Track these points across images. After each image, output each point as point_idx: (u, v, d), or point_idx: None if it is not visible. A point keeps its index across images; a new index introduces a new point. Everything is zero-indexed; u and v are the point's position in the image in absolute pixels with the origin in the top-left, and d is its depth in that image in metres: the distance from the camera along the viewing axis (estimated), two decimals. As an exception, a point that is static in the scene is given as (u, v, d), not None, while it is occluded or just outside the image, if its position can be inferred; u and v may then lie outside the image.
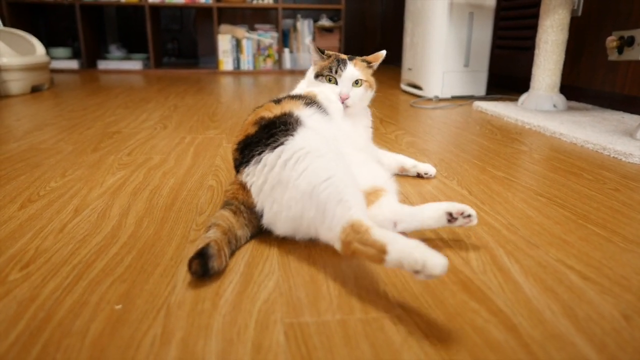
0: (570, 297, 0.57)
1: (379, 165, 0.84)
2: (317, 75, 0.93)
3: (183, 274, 0.61)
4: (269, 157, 0.69)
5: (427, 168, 1.04)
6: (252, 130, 0.75)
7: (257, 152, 0.71)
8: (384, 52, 0.98)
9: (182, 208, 0.85)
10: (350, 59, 0.93)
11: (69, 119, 1.69)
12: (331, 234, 0.61)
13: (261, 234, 0.72)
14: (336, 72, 0.91)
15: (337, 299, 0.56)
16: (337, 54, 0.95)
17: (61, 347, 0.47)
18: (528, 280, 0.61)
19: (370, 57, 0.96)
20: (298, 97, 0.84)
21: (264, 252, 0.68)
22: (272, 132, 0.72)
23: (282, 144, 0.69)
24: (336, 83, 0.91)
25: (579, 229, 0.77)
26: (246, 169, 0.73)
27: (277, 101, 0.83)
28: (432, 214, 0.69)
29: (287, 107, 0.78)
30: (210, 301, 0.55)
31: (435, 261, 0.49)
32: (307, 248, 0.69)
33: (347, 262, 0.65)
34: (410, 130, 1.59)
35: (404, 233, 0.69)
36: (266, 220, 0.70)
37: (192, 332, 0.50)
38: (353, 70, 0.91)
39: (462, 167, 1.14)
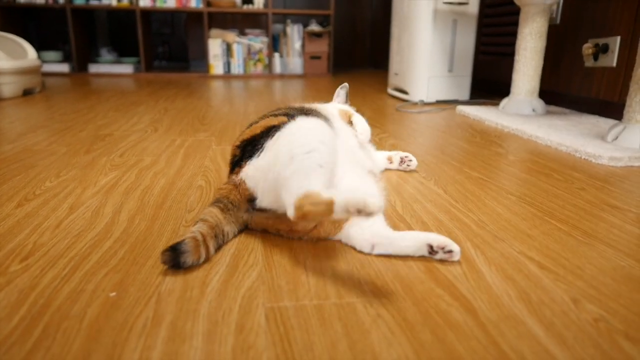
0: (527, 284, 0.63)
1: (371, 180, 0.87)
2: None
3: (173, 265, 0.66)
4: (267, 143, 0.76)
5: (407, 154, 1.16)
6: (258, 131, 0.81)
7: (260, 144, 0.77)
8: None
9: (173, 206, 0.89)
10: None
11: (61, 122, 1.72)
12: (289, 200, 0.64)
13: (247, 230, 0.77)
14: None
15: (314, 286, 0.61)
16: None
17: (60, 329, 0.52)
18: (491, 269, 0.67)
19: None
20: (311, 115, 0.86)
21: (249, 245, 0.73)
22: (276, 127, 0.79)
23: (281, 128, 0.77)
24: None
25: (543, 225, 0.83)
26: (248, 162, 0.77)
27: (290, 117, 0.83)
28: (412, 243, 0.70)
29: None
30: (198, 289, 0.60)
31: (374, 200, 0.56)
32: (289, 242, 0.74)
33: (326, 255, 0.70)
34: (395, 133, 1.65)
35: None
36: (259, 199, 0.75)
37: (181, 316, 0.54)
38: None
39: (441, 168, 1.20)
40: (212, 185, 1.03)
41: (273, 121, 0.81)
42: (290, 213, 0.64)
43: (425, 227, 0.81)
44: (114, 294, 0.58)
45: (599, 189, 1.04)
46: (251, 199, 0.76)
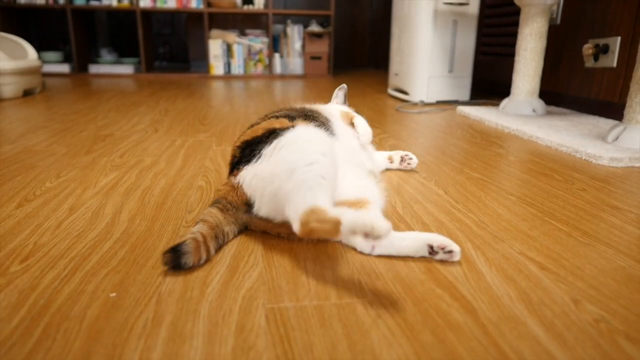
0: (527, 285, 0.63)
1: (371, 179, 0.88)
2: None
3: (173, 266, 0.66)
4: (265, 150, 0.75)
5: (407, 152, 1.17)
6: (259, 132, 0.80)
7: (258, 149, 0.77)
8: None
9: (173, 207, 0.89)
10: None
11: (61, 122, 1.72)
12: (294, 214, 0.64)
13: (247, 230, 0.77)
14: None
15: (315, 287, 0.61)
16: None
17: (60, 330, 0.51)
18: (491, 270, 0.66)
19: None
20: (311, 118, 0.88)
21: (249, 246, 0.73)
22: (275, 133, 0.78)
23: (279, 135, 0.76)
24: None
25: (543, 225, 0.83)
26: (246, 167, 0.76)
27: (291, 118, 0.85)
28: (412, 243, 0.70)
29: (297, 122, 0.83)
30: (198, 289, 0.60)
31: (381, 224, 0.56)
32: (289, 242, 0.74)
33: (326, 256, 0.70)
34: (395, 133, 1.65)
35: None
36: (256, 207, 0.74)
37: (181, 316, 0.54)
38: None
39: (441, 169, 1.20)
40: (212, 185, 1.02)
41: (274, 123, 0.81)
42: (296, 228, 0.63)
43: (426, 228, 0.81)
44: (114, 294, 0.58)
45: (599, 190, 1.04)
46: (249, 204, 0.76)
